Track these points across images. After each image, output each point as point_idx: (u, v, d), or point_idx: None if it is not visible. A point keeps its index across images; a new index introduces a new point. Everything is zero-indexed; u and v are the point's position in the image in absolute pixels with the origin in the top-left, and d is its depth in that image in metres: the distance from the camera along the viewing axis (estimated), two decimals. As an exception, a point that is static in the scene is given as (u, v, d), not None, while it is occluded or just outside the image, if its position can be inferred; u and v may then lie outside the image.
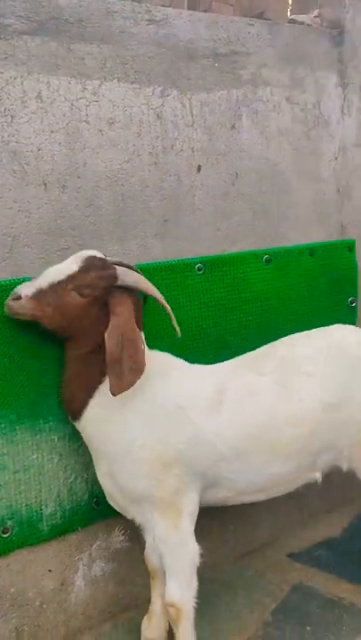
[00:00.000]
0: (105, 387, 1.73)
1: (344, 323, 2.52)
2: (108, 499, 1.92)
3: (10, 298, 1.67)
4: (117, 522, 2.10)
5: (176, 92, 2.00)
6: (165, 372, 1.84)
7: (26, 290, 1.66)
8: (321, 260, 2.41)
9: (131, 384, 1.67)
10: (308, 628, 2.09)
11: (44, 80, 1.76)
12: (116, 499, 1.88)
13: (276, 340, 2.26)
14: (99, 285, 1.68)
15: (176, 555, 1.81)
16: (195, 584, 1.82)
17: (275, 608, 2.19)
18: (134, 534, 2.12)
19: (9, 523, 1.89)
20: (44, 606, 2.02)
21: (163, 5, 1.99)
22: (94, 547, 2.09)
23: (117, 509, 1.92)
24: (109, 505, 1.93)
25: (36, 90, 1.75)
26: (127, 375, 1.67)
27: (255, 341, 2.26)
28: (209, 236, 2.15)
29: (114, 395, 1.67)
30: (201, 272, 2.12)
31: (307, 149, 2.34)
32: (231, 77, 2.11)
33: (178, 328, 1.83)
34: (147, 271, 1.98)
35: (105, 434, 1.79)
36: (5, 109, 1.71)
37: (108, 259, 1.74)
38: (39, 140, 1.78)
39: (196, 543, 1.82)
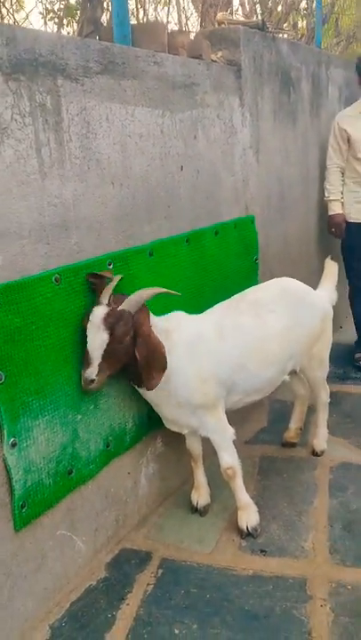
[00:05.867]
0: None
1: (252, 275, 3.59)
2: (168, 425, 2.67)
3: (85, 385, 2.22)
4: (158, 433, 2.85)
5: (168, 113, 2.76)
6: (183, 324, 2.57)
7: (91, 371, 2.20)
8: (240, 231, 3.40)
9: (159, 381, 2.36)
10: (285, 475, 3.13)
11: (108, 106, 2.40)
12: (178, 420, 2.62)
13: (229, 287, 3.22)
14: (128, 329, 2.25)
15: (222, 435, 2.65)
16: (235, 451, 2.69)
17: (258, 470, 3.17)
18: (168, 441, 2.90)
19: (110, 438, 2.51)
20: (128, 500, 2.69)
21: (157, 51, 2.72)
22: (149, 452, 2.81)
23: (177, 430, 2.68)
24: (155, 420, 2.69)
25: (105, 114, 2.38)
26: (155, 376, 2.35)
27: (219, 290, 3.17)
28: (188, 217, 2.97)
29: (149, 390, 2.38)
30: (187, 243, 2.94)
31: (228, 152, 3.27)
32: (192, 102, 2.93)
33: (175, 293, 2.51)
34: (161, 246, 2.74)
35: (167, 384, 2.45)
36: (92, 129, 2.32)
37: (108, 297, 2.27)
38: (109, 151, 2.41)
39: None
